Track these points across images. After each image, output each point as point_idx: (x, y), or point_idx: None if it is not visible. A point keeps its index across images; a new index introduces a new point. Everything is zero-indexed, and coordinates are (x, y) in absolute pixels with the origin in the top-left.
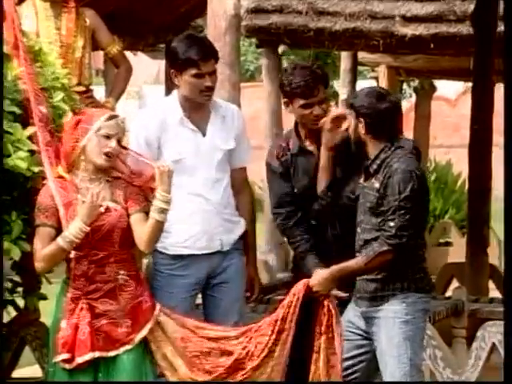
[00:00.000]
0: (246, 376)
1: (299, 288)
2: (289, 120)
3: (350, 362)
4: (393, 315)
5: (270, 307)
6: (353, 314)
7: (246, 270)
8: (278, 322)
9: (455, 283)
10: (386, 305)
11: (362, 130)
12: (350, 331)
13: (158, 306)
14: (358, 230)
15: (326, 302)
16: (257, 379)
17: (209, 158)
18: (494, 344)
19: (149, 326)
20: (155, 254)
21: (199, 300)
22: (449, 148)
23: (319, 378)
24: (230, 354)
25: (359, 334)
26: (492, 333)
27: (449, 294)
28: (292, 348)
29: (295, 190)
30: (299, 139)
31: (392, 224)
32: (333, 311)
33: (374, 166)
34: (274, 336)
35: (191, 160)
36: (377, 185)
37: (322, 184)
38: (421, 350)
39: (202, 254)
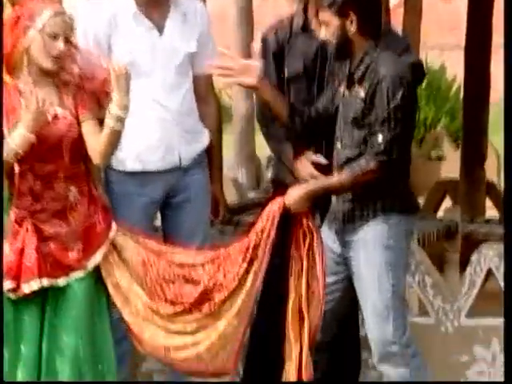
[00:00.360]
0: (213, 309)
1: (273, 209)
2: (260, 17)
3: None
4: (373, 238)
5: (239, 229)
6: (327, 236)
7: (209, 188)
8: (250, 250)
9: (448, 202)
10: (365, 227)
11: (351, 27)
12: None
13: (114, 227)
14: (338, 145)
15: (304, 221)
16: (225, 312)
17: (166, 59)
18: (490, 269)
19: (103, 249)
20: (106, 171)
21: (158, 222)
22: (442, 50)
23: (299, 307)
24: (195, 282)
25: (334, 260)
26: (488, 256)
27: (441, 214)
28: (267, 275)
29: (286, 75)
30: (305, 16)
31: (380, 138)
32: (313, 230)
33: (359, 73)
34: (245, 265)
35: (145, 61)
36: (362, 93)
37: (282, 117)
38: (404, 277)
39: (158, 171)
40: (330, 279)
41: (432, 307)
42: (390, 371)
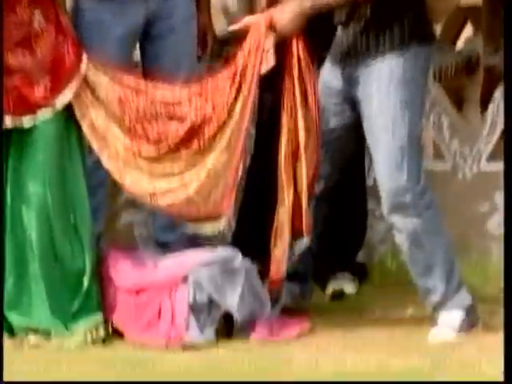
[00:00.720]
0: (202, 145)
1: (261, 25)
2: None
3: (326, 137)
4: (388, 74)
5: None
6: (329, 73)
7: (196, 17)
8: (238, 75)
9: (469, 30)
10: (378, 60)
11: None
12: (325, 97)
13: (85, 59)
14: None
15: (295, 47)
16: (215, 145)
17: None
18: None
19: (73, 86)
20: None
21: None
22: None
23: (293, 148)
24: (181, 119)
25: (337, 100)
26: None
27: (460, 44)
28: (259, 115)
29: None
30: None
31: None
32: (302, 56)
33: None
34: (233, 93)
35: None
36: None
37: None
38: (421, 117)
39: None
40: (332, 122)
41: (448, 151)
42: (401, 223)
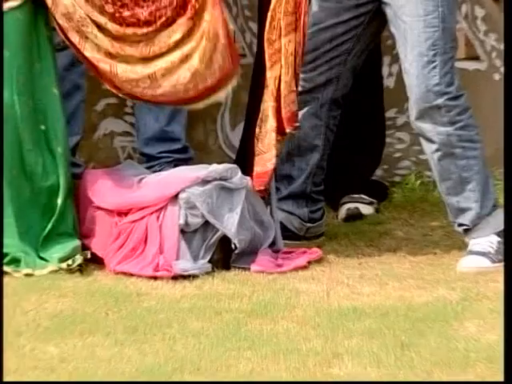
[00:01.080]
0: (193, 13)
1: None
2: None
3: (340, 30)
4: None
5: None
6: None
7: None
8: None
9: None
10: None
11: None
12: None
13: None
14: None
15: None
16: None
17: None
18: None
19: None
20: None
21: None
22: None
23: (277, 16)
24: None
25: None
26: None
27: None
28: None
29: None
30: None
31: None
32: None
33: None
34: None
35: None
36: None
37: None
38: (455, 7)
39: None
40: (347, 15)
41: (483, 48)
42: (432, 130)
